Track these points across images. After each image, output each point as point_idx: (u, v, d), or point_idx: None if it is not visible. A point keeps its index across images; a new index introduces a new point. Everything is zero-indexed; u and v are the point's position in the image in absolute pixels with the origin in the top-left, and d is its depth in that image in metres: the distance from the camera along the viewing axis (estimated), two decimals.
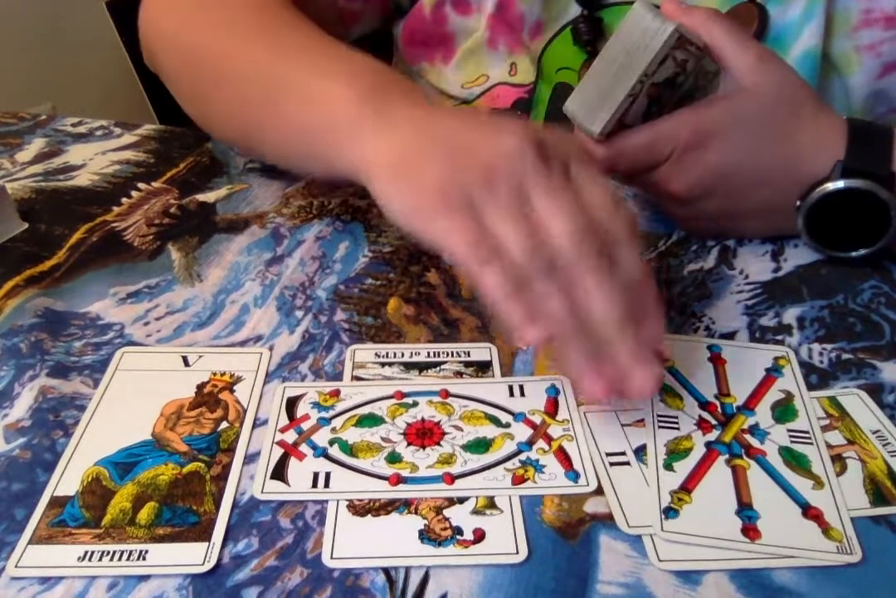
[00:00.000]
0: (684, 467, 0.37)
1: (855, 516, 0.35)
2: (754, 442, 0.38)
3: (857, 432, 0.39)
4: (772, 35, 0.58)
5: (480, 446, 0.38)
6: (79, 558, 0.33)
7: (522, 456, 0.38)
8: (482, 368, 0.43)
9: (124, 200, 0.58)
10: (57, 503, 0.35)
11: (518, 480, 0.36)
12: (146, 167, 0.62)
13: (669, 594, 0.32)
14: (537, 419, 0.40)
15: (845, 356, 0.44)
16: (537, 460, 0.37)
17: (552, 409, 0.40)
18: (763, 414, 0.40)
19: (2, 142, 0.66)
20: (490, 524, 0.35)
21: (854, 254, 0.50)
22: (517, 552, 0.33)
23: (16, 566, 0.33)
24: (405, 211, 0.39)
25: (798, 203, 0.49)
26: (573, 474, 0.37)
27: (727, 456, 0.38)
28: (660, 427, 0.39)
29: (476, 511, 0.35)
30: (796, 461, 0.37)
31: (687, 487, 0.36)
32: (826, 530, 0.34)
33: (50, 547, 0.33)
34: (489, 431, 0.39)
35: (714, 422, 0.39)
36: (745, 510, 0.35)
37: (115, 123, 0.69)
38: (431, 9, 0.65)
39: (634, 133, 0.48)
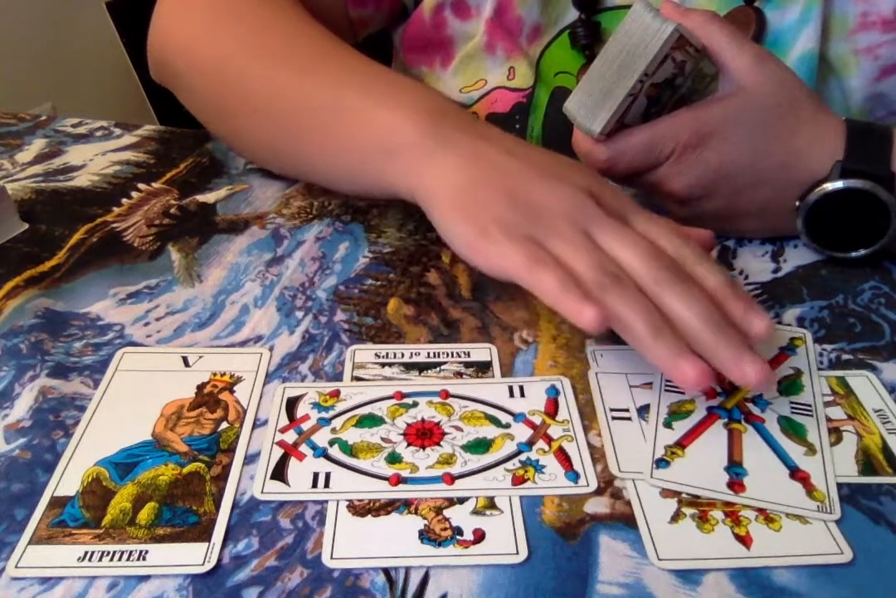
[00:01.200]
0: (683, 426, 0.39)
1: (841, 482, 0.37)
2: (755, 410, 0.40)
3: (859, 410, 0.40)
4: (769, 38, 0.58)
5: (480, 446, 0.38)
6: (79, 558, 0.33)
7: (522, 457, 0.38)
8: (482, 368, 0.43)
9: (124, 200, 0.58)
10: (57, 503, 0.35)
11: (518, 480, 0.36)
12: (146, 168, 0.62)
13: (669, 594, 0.32)
14: (537, 420, 0.40)
15: (845, 357, 0.44)
16: (537, 461, 0.37)
17: (552, 409, 0.40)
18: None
19: (2, 142, 0.66)
20: (490, 525, 0.35)
21: (854, 254, 0.50)
22: (517, 553, 0.33)
23: (16, 567, 0.33)
24: (466, 240, 0.41)
25: (797, 203, 0.49)
26: (573, 475, 0.37)
27: (726, 420, 0.40)
28: (665, 391, 0.41)
29: (476, 512, 0.35)
30: (793, 430, 0.39)
31: (682, 443, 0.38)
32: (810, 491, 0.36)
33: (50, 547, 0.33)
34: (489, 431, 0.39)
35: (719, 390, 0.41)
36: (733, 466, 0.37)
37: (115, 123, 0.69)
38: (431, 13, 0.65)
39: (634, 133, 0.48)
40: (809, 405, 0.40)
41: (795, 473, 0.37)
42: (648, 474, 0.37)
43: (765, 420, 0.39)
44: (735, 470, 0.37)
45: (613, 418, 0.40)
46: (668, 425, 0.39)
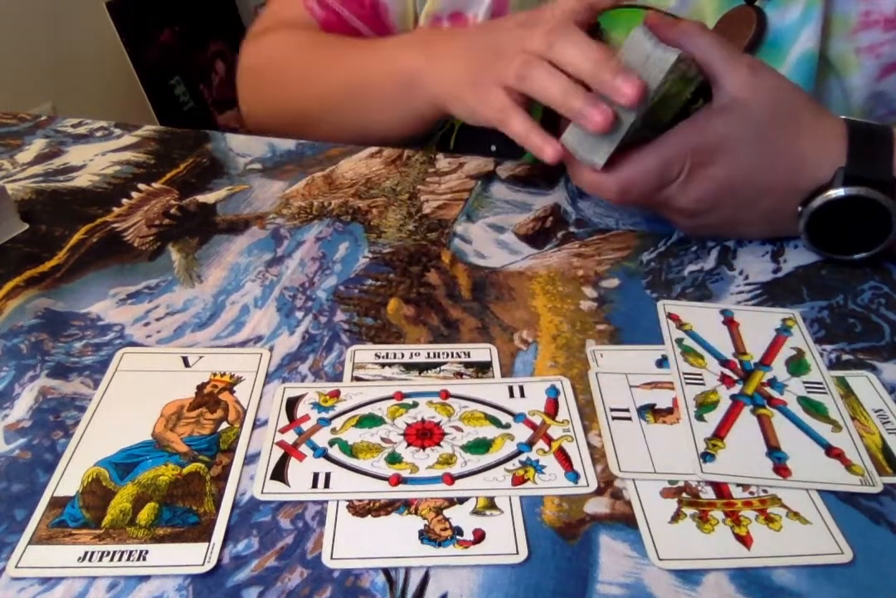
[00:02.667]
0: (714, 417, 0.40)
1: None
2: (774, 393, 0.41)
3: (859, 410, 0.41)
4: (769, 38, 0.58)
5: (480, 446, 0.38)
6: (79, 558, 0.33)
7: (522, 457, 0.38)
8: (482, 368, 0.43)
9: (124, 200, 0.58)
10: (57, 503, 0.35)
11: (518, 480, 0.37)
12: (146, 168, 0.62)
13: (669, 594, 0.32)
14: (537, 420, 0.40)
15: (845, 357, 0.44)
16: (537, 461, 0.37)
17: (552, 409, 0.40)
18: (779, 369, 0.43)
19: (2, 143, 0.66)
20: (490, 525, 0.35)
21: (856, 257, 0.50)
22: (517, 553, 0.33)
23: (16, 567, 0.33)
24: (466, 110, 0.55)
25: (800, 209, 0.49)
26: (573, 475, 0.37)
27: (752, 406, 0.41)
28: (687, 383, 0.42)
29: (476, 512, 0.35)
30: (814, 409, 0.40)
31: (719, 434, 0.39)
32: (849, 466, 0.37)
33: (50, 548, 0.33)
34: (489, 431, 0.39)
35: (735, 377, 0.42)
36: (774, 451, 0.38)
37: (116, 123, 0.69)
38: (428, 27, 0.66)
39: (640, 160, 0.47)
40: (821, 383, 0.42)
41: (830, 450, 0.38)
42: (698, 469, 0.37)
43: (786, 402, 0.41)
44: (776, 455, 0.38)
45: (613, 418, 0.40)
46: (699, 417, 0.40)
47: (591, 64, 0.45)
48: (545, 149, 0.47)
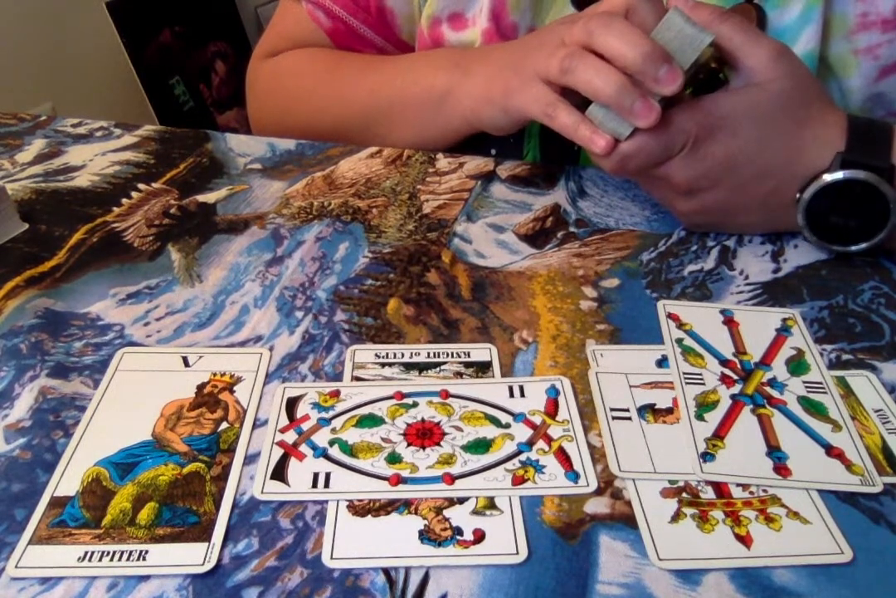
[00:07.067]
0: (714, 417, 0.40)
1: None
2: (774, 393, 0.41)
3: (859, 409, 0.41)
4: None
5: (480, 446, 0.38)
6: (79, 558, 0.33)
7: (522, 457, 0.38)
8: (482, 368, 0.43)
9: (124, 200, 0.58)
10: (57, 503, 0.35)
11: (518, 480, 0.37)
12: (146, 168, 0.62)
13: (669, 594, 0.32)
14: (537, 420, 0.40)
15: (845, 357, 0.44)
16: (537, 461, 0.37)
17: (552, 409, 0.40)
18: (779, 369, 0.43)
19: (2, 142, 0.66)
20: (490, 525, 0.35)
21: (854, 248, 0.50)
22: (517, 553, 0.33)
23: (16, 567, 0.33)
24: (499, 113, 0.56)
25: (798, 196, 0.49)
26: (573, 475, 0.37)
27: (752, 406, 0.41)
28: (687, 383, 0.42)
29: (476, 512, 0.35)
30: (815, 409, 0.40)
31: (719, 434, 0.39)
32: (849, 466, 0.37)
33: (50, 547, 0.33)
34: (489, 431, 0.39)
35: (735, 377, 0.42)
36: (774, 451, 0.38)
37: (115, 123, 0.69)
38: (429, 31, 0.66)
39: (645, 132, 0.48)
40: (821, 383, 0.42)
41: (830, 450, 0.38)
42: (699, 469, 0.37)
43: (786, 402, 0.41)
44: (777, 455, 0.38)
45: (613, 418, 0.40)
46: (699, 417, 0.40)
47: (635, 53, 0.45)
48: (596, 140, 0.47)
